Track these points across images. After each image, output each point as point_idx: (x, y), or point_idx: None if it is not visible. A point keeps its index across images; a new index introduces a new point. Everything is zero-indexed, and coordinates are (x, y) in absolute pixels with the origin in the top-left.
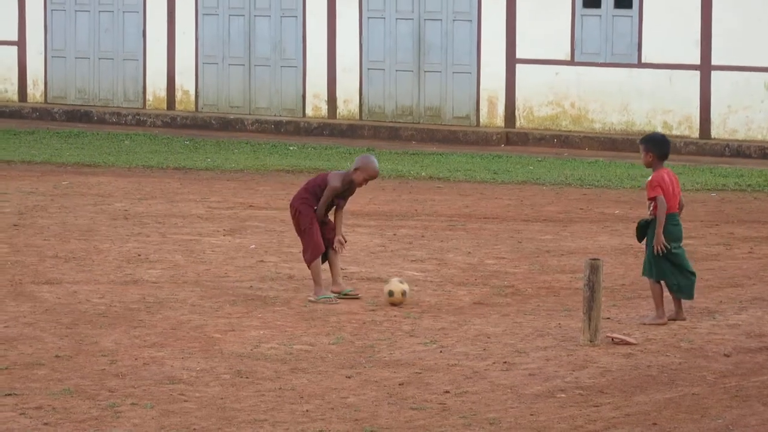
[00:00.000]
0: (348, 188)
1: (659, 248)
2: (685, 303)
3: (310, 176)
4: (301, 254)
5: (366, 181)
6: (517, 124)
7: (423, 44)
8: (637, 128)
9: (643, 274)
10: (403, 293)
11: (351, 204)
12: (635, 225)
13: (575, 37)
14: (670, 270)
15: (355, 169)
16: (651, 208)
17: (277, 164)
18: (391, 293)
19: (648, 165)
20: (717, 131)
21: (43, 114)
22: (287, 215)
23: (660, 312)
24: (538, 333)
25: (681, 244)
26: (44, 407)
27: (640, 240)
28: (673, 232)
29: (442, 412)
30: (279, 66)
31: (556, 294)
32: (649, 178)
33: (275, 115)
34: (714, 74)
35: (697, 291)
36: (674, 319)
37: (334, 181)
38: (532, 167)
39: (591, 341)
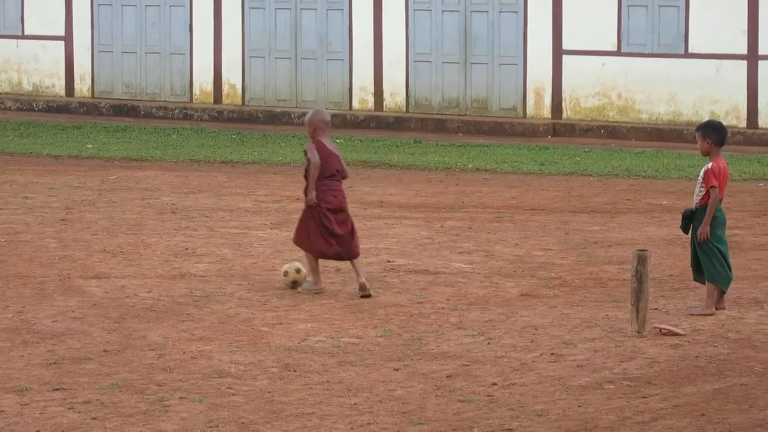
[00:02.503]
0: (324, 152)
1: (704, 236)
2: (731, 294)
3: (357, 169)
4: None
5: (315, 130)
6: (564, 115)
7: (469, 36)
8: (684, 118)
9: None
10: (298, 270)
11: (398, 196)
12: (681, 215)
13: (622, 27)
14: (717, 258)
15: (308, 128)
16: (701, 196)
17: None
18: (286, 273)
19: (705, 152)
20: (764, 121)
21: (91, 109)
22: None
23: (709, 302)
24: (585, 324)
25: (726, 232)
26: (92, 402)
27: (685, 231)
28: (719, 218)
29: (489, 404)
30: (325, 59)
31: (603, 285)
32: (709, 165)
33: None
34: (762, 64)
35: (745, 281)
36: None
37: (314, 157)
38: (579, 158)
39: (639, 332)
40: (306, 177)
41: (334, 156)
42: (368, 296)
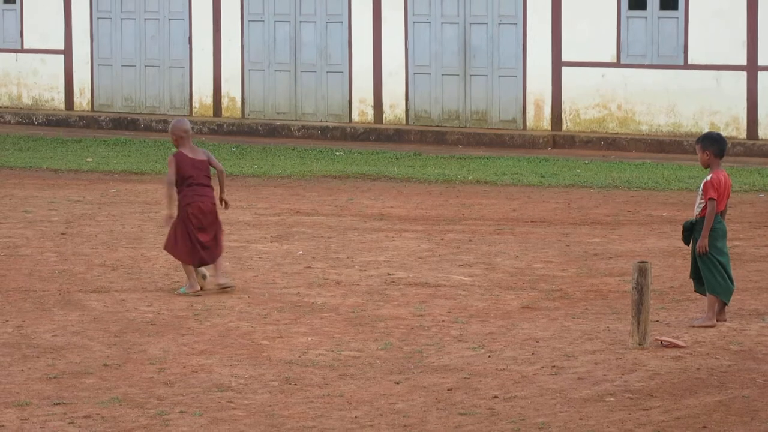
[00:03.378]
0: (186, 163)
1: (703, 249)
2: (732, 305)
3: (357, 181)
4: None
5: (177, 140)
6: (564, 126)
7: (469, 48)
8: (684, 130)
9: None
10: (203, 276)
11: (398, 208)
12: (681, 227)
13: (621, 39)
14: (718, 270)
15: (171, 139)
16: (701, 208)
17: (324, 170)
18: (204, 276)
19: (705, 164)
20: (765, 132)
21: (90, 122)
22: (334, 221)
23: (710, 314)
24: (586, 336)
25: (726, 243)
26: (93, 416)
27: (686, 243)
28: (720, 230)
29: (491, 417)
30: (325, 71)
31: (604, 297)
32: (708, 177)
33: (321, 121)
34: (761, 75)
35: (746, 292)
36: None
37: (170, 175)
38: (579, 170)
39: (640, 344)
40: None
41: (198, 163)
42: (229, 287)
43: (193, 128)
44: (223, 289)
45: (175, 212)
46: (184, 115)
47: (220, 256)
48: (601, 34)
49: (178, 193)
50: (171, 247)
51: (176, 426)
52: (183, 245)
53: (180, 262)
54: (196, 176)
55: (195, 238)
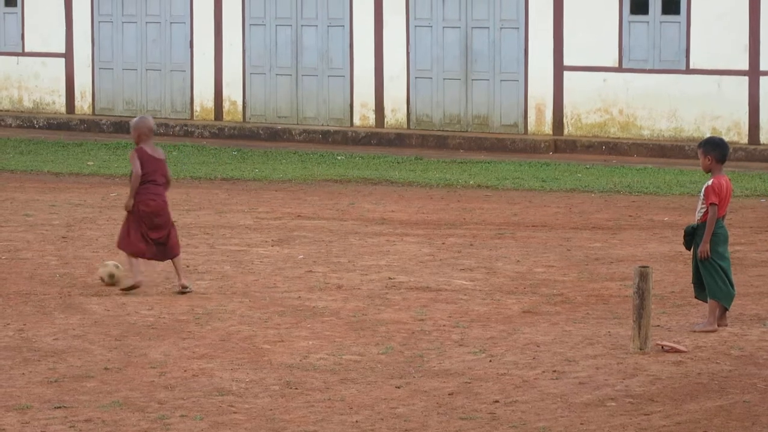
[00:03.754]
0: (147, 160)
1: (704, 255)
2: (733, 310)
3: (358, 186)
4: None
5: (140, 137)
6: (565, 131)
7: (470, 52)
8: (686, 134)
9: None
10: (110, 275)
11: (399, 213)
12: (683, 232)
13: (623, 43)
14: (719, 275)
15: (133, 134)
16: (702, 213)
17: (325, 174)
18: (111, 276)
19: (707, 169)
20: (766, 137)
21: (91, 126)
22: (336, 225)
23: (711, 319)
24: (587, 341)
25: (728, 248)
26: (94, 420)
27: (688, 247)
28: (721, 235)
29: (491, 421)
30: (326, 75)
31: (605, 302)
32: (709, 182)
33: (323, 125)
34: (763, 79)
35: (747, 297)
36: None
37: (136, 166)
38: (580, 175)
39: (641, 349)
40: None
41: (156, 161)
42: (187, 291)
43: (194, 132)
44: (183, 292)
45: (131, 204)
46: (186, 119)
47: (179, 257)
48: (602, 38)
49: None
50: (124, 242)
51: (177, 430)
52: (135, 238)
53: (127, 257)
54: (153, 175)
55: (147, 235)
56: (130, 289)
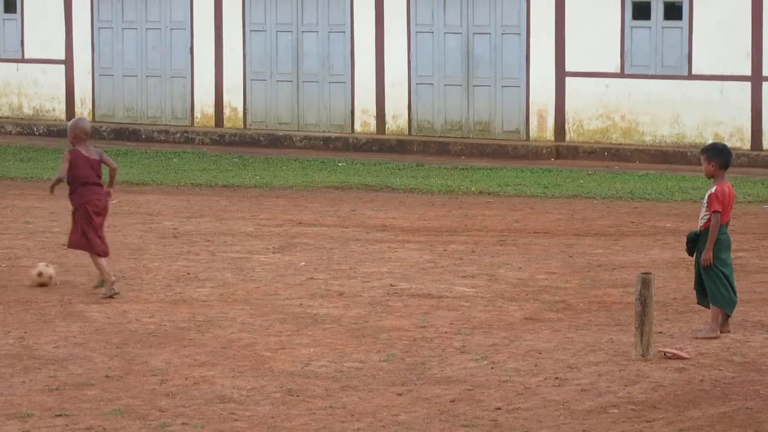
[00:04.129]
0: (83, 161)
1: (707, 262)
2: (736, 316)
3: (359, 192)
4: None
5: (75, 139)
6: (567, 137)
7: (472, 58)
8: (688, 140)
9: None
10: (39, 274)
11: (401, 219)
12: (685, 238)
13: (625, 49)
14: (722, 282)
15: (69, 136)
16: (705, 220)
17: (326, 181)
18: (40, 274)
19: (710, 175)
20: None
21: (92, 133)
22: (337, 232)
23: (714, 326)
24: (589, 348)
25: (731, 255)
26: (95, 428)
27: (690, 253)
28: (724, 241)
29: (493, 429)
30: (327, 82)
31: (607, 309)
32: (713, 190)
33: (324, 132)
34: (765, 85)
35: (750, 304)
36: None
37: (62, 170)
38: (582, 181)
39: (643, 356)
40: (68, 182)
41: (93, 163)
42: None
43: (195, 139)
44: (110, 290)
45: (55, 193)
46: (186, 126)
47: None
48: (604, 44)
49: (75, 191)
50: (79, 242)
51: None
52: (93, 238)
53: (92, 257)
54: (90, 176)
55: (97, 232)
56: (101, 286)
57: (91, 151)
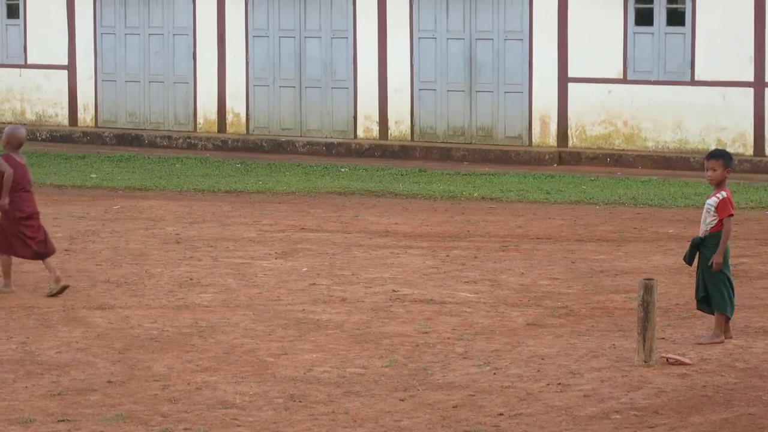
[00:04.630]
0: (18, 168)
1: (718, 267)
2: (739, 322)
3: (362, 198)
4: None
5: (8, 145)
6: (570, 143)
7: (474, 64)
8: (691, 146)
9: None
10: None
11: (403, 225)
12: (689, 244)
13: (627, 55)
14: (726, 287)
15: (3, 141)
16: (714, 224)
17: (329, 186)
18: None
19: (719, 181)
20: None
21: (94, 138)
22: (339, 238)
23: (717, 331)
24: (592, 354)
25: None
26: None
27: (689, 261)
28: (728, 247)
29: None
30: (330, 87)
31: (610, 314)
32: (724, 194)
33: (326, 137)
34: None
35: (753, 310)
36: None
37: (7, 169)
38: (585, 187)
39: (646, 362)
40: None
41: (23, 168)
42: (65, 287)
43: (197, 144)
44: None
45: (7, 203)
46: (189, 132)
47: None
48: (607, 50)
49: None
50: (4, 246)
51: None
52: (16, 242)
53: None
54: (23, 183)
55: (25, 236)
56: (61, 291)
57: (21, 158)
